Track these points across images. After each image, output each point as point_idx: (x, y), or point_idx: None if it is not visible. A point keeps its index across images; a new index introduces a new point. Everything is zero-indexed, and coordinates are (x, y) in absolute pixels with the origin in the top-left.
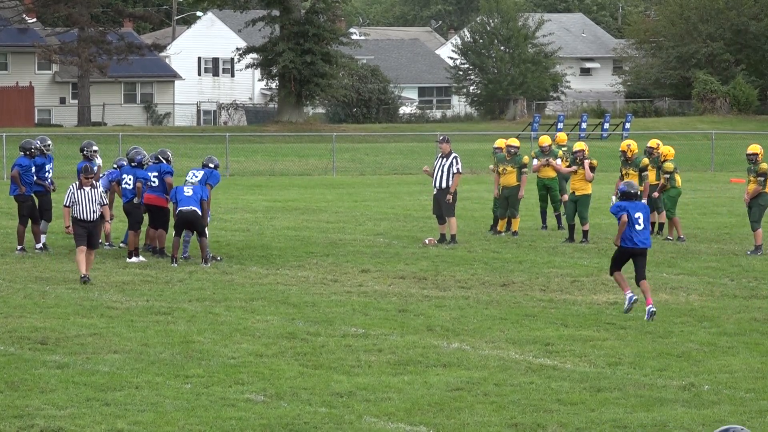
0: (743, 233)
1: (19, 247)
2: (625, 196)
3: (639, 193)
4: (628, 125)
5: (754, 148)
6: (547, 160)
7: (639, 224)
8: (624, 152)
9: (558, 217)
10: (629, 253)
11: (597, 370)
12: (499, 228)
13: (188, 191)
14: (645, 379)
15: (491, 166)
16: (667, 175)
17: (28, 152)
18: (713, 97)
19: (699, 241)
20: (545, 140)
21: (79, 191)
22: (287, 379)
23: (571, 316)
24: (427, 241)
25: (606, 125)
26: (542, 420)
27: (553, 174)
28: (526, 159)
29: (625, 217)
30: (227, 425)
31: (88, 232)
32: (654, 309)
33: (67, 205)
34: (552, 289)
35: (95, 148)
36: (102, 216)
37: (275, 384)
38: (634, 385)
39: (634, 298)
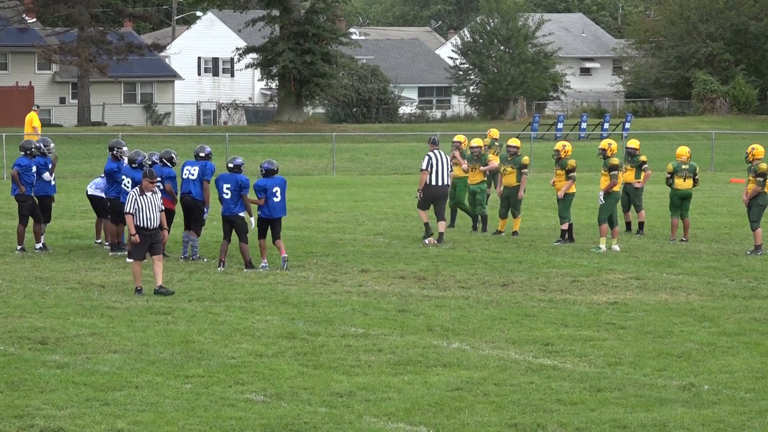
0: (743, 233)
1: (19, 247)
2: (268, 173)
3: (277, 169)
4: (628, 125)
5: (750, 147)
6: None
7: (276, 197)
8: (604, 150)
9: (482, 219)
10: (269, 222)
11: (597, 370)
12: (499, 228)
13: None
14: (645, 379)
15: (464, 166)
16: (669, 175)
17: (28, 152)
18: (713, 97)
19: (699, 241)
20: (478, 141)
21: (141, 197)
22: (287, 379)
23: (570, 316)
24: (426, 241)
25: (606, 125)
26: (542, 420)
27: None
28: (526, 159)
29: (263, 200)
30: (227, 425)
31: (150, 242)
32: (286, 260)
33: (131, 212)
34: (552, 289)
35: (125, 148)
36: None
37: (275, 384)
38: (634, 385)
39: (267, 267)
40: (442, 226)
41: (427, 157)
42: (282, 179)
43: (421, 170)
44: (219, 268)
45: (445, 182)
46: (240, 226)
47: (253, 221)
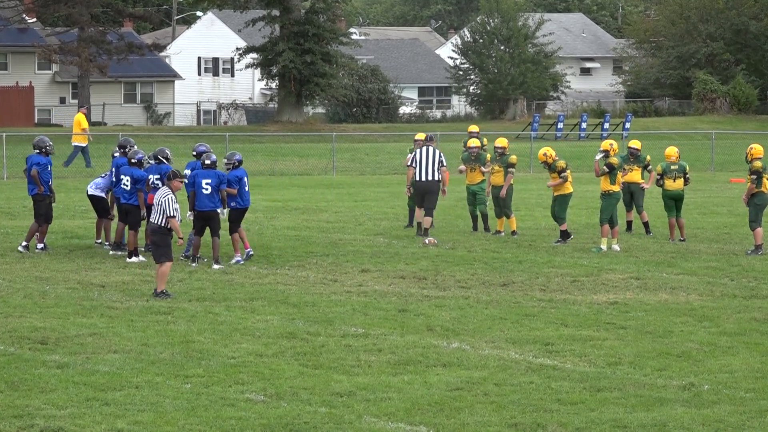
0: (743, 233)
1: (24, 243)
2: (240, 164)
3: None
4: (628, 125)
5: (749, 147)
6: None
7: (246, 187)
8: (606, 151)
9: (483, 218)
10: (243, 212)
11: (597, 369)
12: (498, 227)
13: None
14: (645, 379)
15: (462, 167)
16: (659, 176)
17: (43, 150)
18: (713, 96)
19: (699, 241)
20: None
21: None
22: (287, 379)
23: (571, 316)
24: (427, 241)
25: (606, 125)
26: (542, 420)
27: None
28: (513, 158)
29: (236, 190)
30: (227, 425)
31: None
32: (252, 253)
33: (175, 215)
34: (552, 289)
35: (136, 147)
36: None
37: (275, 384)
38: (634, 385)
39: (241, 261)
40: (426, 221)
41: (412, 154)
42: (244, 171)
43: (407, 167)
44: (193, 264)
45: (429, 177)
46: (216, 221)
47: (225, 212)
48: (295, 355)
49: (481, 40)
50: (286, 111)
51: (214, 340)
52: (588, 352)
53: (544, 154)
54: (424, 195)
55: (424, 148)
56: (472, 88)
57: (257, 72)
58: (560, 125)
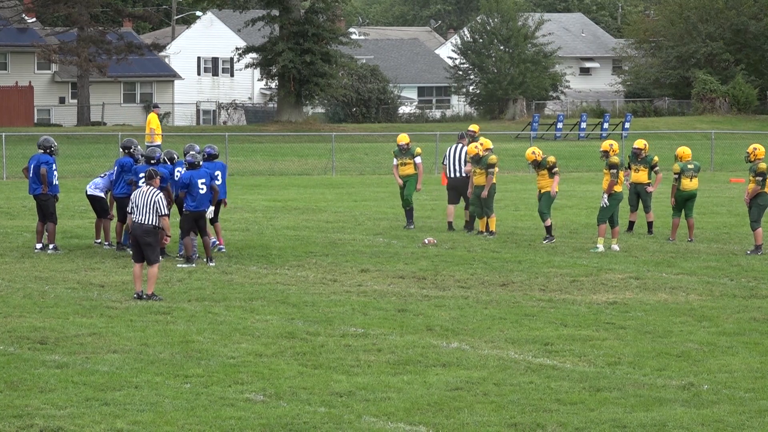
0: (743, 233)
1: (51, 246)
2: (210, 157)
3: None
4: (627, 125)
5: (751, 147)
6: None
7: (218, 180)
8: (606, 152)
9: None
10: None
11: (596, 369)
12: (480, 228)
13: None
14: (644, 379)
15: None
16: (675, 176)
17: (48, 150)
18: (713, 96)
19: (698, 240)
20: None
21: None
22: (286, 379)
23: (570, 316)
24: (426, 241)
25: (605, 125)
26: (541, 420)
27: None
28: (492, 159)
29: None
30: (226, 425)
31: None
32: (224, 249)
33: (168, 213)
34: (551, 289)
35: (139, 147)
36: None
37: (274, 384)
38: (634, 385)
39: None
40: (465, 214)
41: (446, 151)
42: (207, 172)
43: (443, 164)
44: (211, 263)
45: (456, 174)
46: (205, 220)
47: (211, 210)
48: (295, 354)
49: (481, 40)
50: (285, 111)
51: (214, 340)
52: (587, 352)
53: (533, 153)
54: (458, 191)
55: (455, 146)
56: (471, 88)
57: (257, 72)
58: (560, 125)
